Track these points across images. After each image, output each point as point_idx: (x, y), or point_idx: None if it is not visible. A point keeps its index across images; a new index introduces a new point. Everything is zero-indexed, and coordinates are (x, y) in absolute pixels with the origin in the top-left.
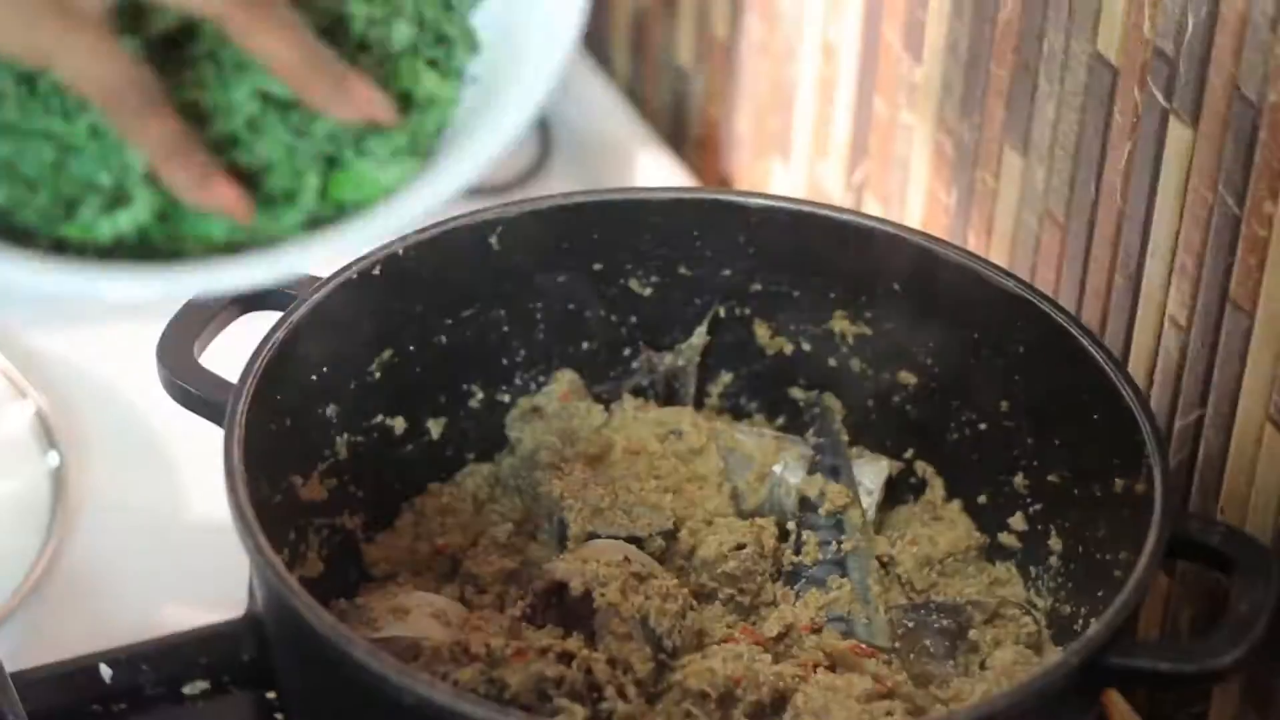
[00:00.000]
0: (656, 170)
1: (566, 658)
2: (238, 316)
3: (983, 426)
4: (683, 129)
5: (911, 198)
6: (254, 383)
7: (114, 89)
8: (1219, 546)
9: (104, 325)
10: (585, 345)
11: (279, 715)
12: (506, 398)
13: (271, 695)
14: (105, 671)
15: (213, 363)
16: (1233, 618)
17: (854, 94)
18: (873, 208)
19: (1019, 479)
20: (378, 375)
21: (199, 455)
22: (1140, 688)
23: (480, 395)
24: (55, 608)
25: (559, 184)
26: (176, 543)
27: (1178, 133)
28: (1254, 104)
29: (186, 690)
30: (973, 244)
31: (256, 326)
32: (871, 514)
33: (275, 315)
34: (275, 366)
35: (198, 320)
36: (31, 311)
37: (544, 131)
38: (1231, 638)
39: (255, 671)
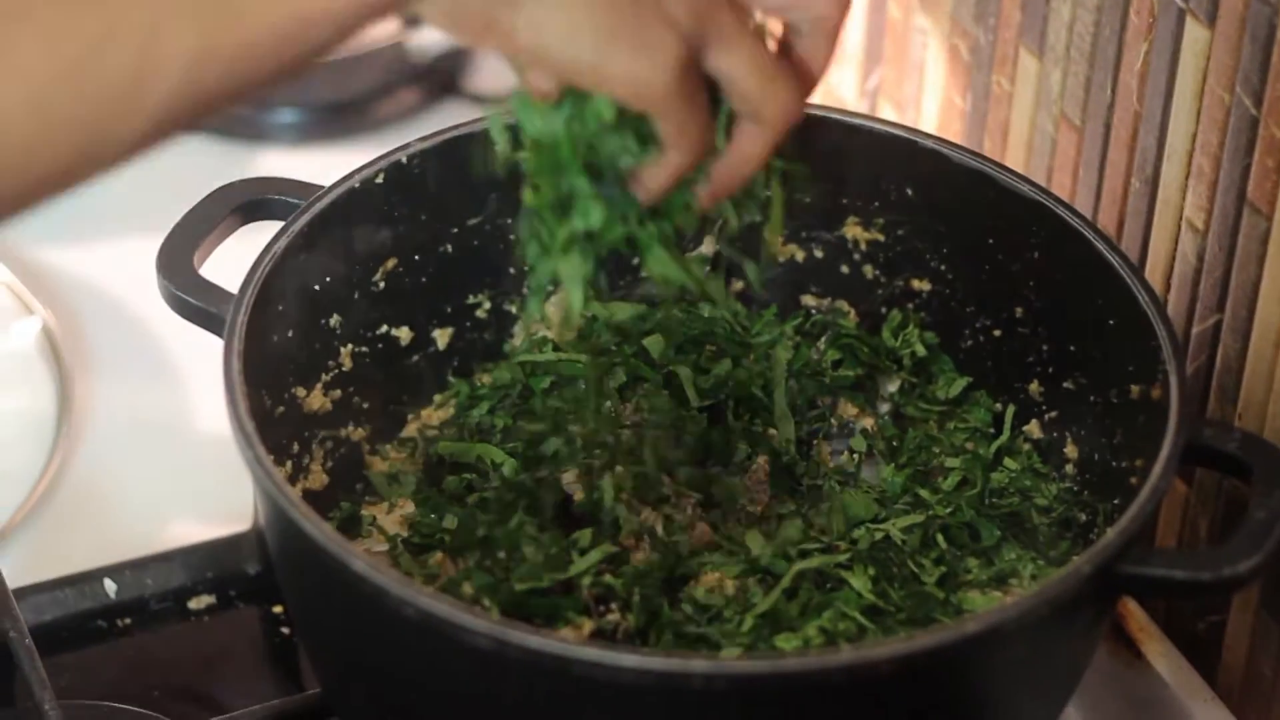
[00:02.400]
0: None
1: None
2: (239, 226)
3: (997, 333)
4: None
5: (926, 103)
6: (254, 293)
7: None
8: (1236, 453)
9: (110, 241)
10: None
11: (285, 629)
12: (514, 308)
13: (278, 609)
14: (110, 586)
15: (214, 273)
16: (1250, 525)
17: None
18: (888, 114)
19: (1034, 386)
20: (382, 285)
21: (205, 369)
22: (1156, 596)
23: (487, 305)
24: (60, 523)
25: None
26: (182, 457)
27: (1195, 33)
28: (1271, 3)
29: (191, 605)
30: (988, 149)
31: (258, 237)
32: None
33: (277, 225)
34: (276, 277)
35: (198, 231)
36: (37, 228)
37: None
38: (1248, 545)
39: (261, 585)
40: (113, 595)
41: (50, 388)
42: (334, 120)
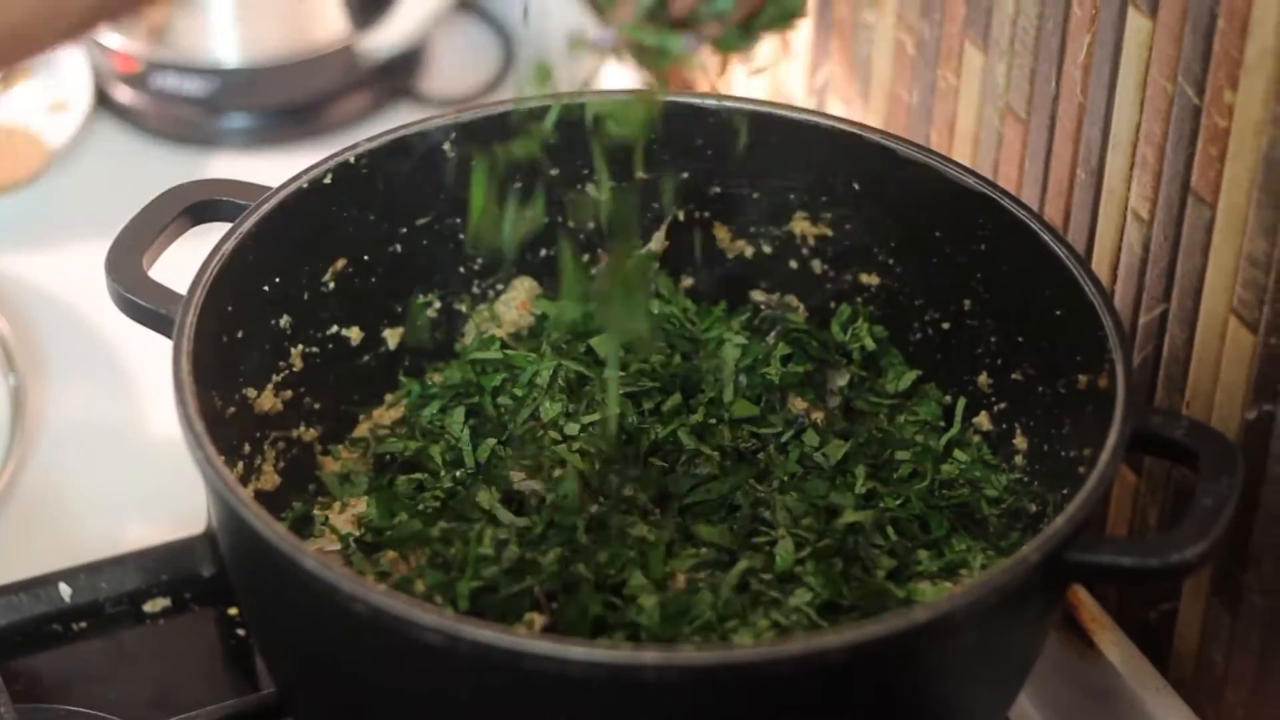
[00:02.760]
0: (617, 75)
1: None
2: (188, 228)
3: (946, 326)
4: None
5: (874, 98)
6: (203, 294)
7: None
8: (1183, 441)
9: (61, 245)
10: (543, 252)
11: (241, 631)
12: (463, 306)
13: (233, 611)
14: (65, 590)
15: (164, 275)
16: (1197, 512)
17: None
18: (836, 110)
19: (983, 378)
20: (332, 285)
21: (158, 372)
22: (1105, 583)
23: (437, 304)
24: (14, 527)
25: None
26: (136, 460)
27: (1136, 23)
28: None
29: (147, 608)
30: (935, 142)
31: (207, 238)
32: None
33: (227, 227)
34: (225, 278)
35: (147, 232)
36: None
37: (506, 44)
38: (1195, 532)
39: (215, 588)
40: (67, 599)
41: (3, 392)
42: (285, 124)
